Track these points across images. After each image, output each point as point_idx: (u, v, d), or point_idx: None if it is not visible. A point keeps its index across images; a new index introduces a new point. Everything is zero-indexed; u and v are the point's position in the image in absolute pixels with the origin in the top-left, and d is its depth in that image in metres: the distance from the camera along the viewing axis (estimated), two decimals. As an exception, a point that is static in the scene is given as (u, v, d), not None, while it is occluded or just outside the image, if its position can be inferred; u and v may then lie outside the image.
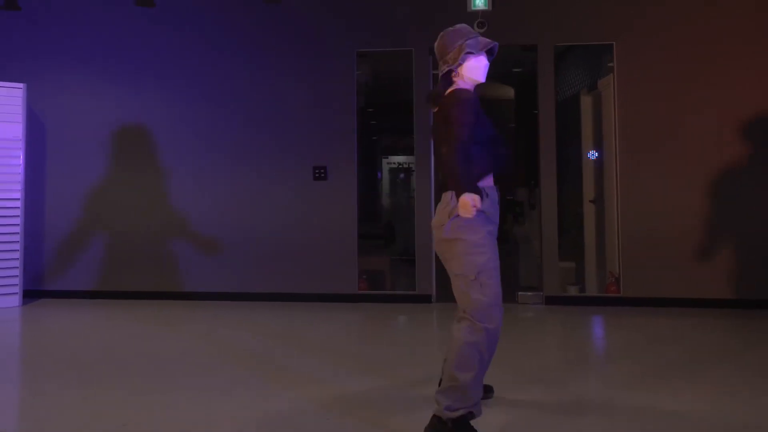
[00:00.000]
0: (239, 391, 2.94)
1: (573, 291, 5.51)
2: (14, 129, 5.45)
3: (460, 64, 2.52)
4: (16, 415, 2.68)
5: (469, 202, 2.20)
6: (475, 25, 5.47)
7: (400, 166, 12.38)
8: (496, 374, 3.09)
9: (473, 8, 5.47)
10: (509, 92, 9.30)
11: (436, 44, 2.62)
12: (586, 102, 6.37)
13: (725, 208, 5.13)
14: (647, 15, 5.31)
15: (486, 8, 5.47)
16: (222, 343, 4.00)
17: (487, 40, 2.57)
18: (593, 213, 6.13)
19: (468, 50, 2.50)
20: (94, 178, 5.76)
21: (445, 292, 5.17)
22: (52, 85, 5.82)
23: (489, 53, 2.60)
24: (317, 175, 5.65)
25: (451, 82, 2.56)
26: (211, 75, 5.72)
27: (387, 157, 14.18)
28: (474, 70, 2.53)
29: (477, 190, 2.27)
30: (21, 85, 5.47)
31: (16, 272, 5.38)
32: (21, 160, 5.46)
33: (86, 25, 5.81)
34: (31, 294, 5.71)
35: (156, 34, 5.76)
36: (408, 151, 7.89)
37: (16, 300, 5.37)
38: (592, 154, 6.17)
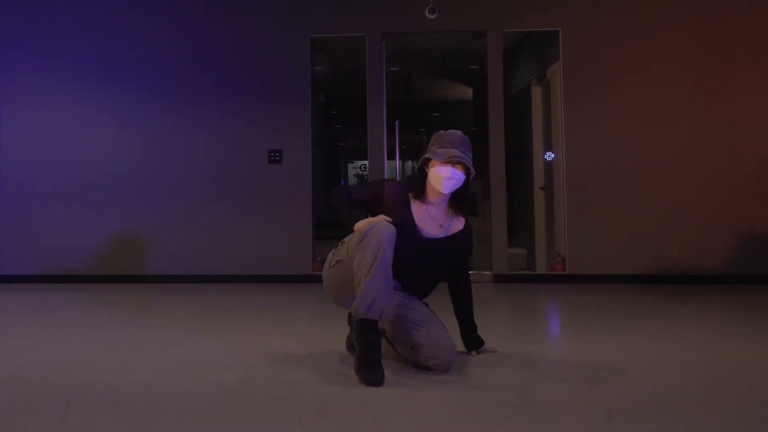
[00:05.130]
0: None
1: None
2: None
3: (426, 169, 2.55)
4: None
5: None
6: (427, 11, 5.61)
7: (366, 170, 12.43)
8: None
9: (425, -6, 5.60)
10: (468, 92, 9.50)
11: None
12: (536, 92, 6.56)
13: (664, 194, 5.33)
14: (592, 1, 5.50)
15: (437, -5, 5.60)
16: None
17: (455, 153, 2.42)
18: (543, 199, 6.31)
19: (430, 156, 2.48)
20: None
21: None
22: None
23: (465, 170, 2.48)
24: (272, 158, 5.70)
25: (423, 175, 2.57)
26: (155, 60, 5.74)
27: (353, 162, 14.25)
28: (433, 178, 2.50)
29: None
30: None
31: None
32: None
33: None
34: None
35: (107, 19, 5.76)
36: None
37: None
38: (549, 155, 6.32)
